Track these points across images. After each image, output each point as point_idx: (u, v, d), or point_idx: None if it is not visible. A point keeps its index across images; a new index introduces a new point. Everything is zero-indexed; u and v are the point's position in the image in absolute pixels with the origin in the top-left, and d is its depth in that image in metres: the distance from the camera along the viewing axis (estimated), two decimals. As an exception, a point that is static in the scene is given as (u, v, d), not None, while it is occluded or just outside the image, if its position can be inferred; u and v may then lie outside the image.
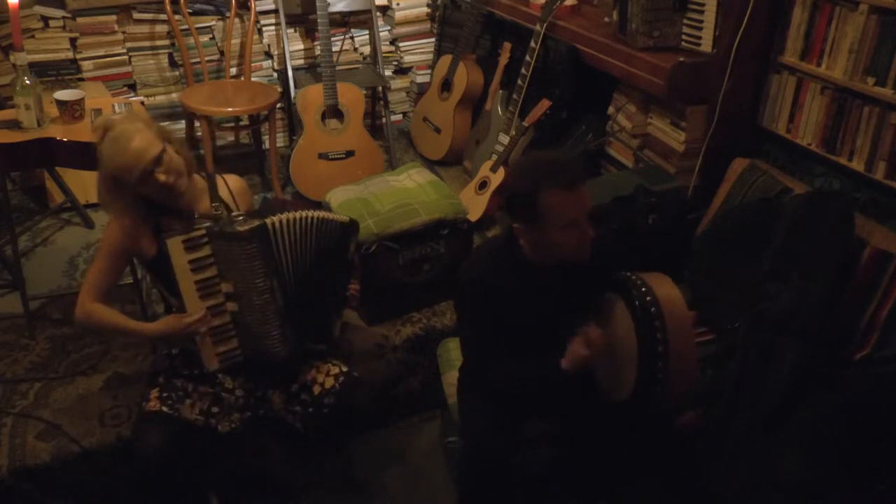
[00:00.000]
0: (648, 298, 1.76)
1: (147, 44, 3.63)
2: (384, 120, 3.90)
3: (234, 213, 1.99)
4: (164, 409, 1.91)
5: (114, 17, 3.52)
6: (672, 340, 1.73)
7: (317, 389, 2.03)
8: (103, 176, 1.87)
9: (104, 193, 1.90)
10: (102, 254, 1.95)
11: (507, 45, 3.43)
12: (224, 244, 1.88)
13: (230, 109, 3.29)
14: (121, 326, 1.97)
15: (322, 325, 2.08)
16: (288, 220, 1.93)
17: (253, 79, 3.69)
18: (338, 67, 3.81)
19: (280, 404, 2.03)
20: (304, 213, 1.96)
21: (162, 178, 1.84)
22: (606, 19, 3.00)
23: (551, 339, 1.86)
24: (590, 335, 1.78)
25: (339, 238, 2.03)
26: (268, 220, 1.91)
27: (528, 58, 3.14)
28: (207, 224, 1.89)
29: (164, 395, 1.94)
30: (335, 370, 2.07)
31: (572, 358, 1.80)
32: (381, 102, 3.97)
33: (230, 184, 2.07)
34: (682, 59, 2.57)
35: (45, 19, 3.41)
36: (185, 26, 3.52)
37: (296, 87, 3.61)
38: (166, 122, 3.72)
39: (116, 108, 2.45)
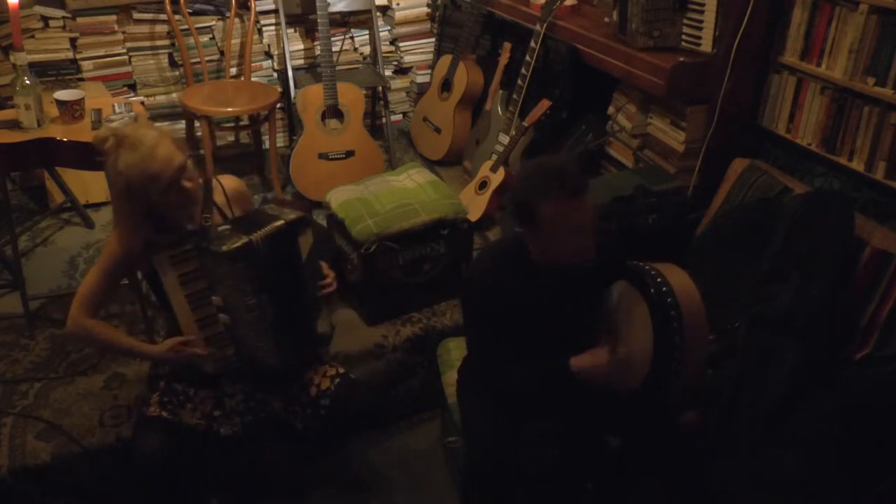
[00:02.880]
0: (665, 289, 1.76)
1: (147, 44, 3.62)
2: (384, 120, 3.90)
3: (220, 227, 1.88)
4: (164, 413, 1.91)
5: (114, 17, 3.51)
6: (687, 332, 1.73)
7: (313, 391, 2.03)
8: (121, 188, 1.76)
9: (118, 206, 1.83)
10: (100, 269, 1.89)
11: (507, 45, 3.42)
12: (211, 261, 1.83)
13: (230, 109, 3.29)
14: (121, 345, 1.96)
15: (305, 330, 2.03)
16: (270, 233, 1.83)
17: (253, 79, 3.69)
18: (338, 67, 3.80)
19: (280, 407, 2.02)
20: (279, 223, 1.86)
21: (188, 185, 1.79)
22: (606, 19, 3.00)
23: (555, 340, 1.86)
24: (616, 350, 1.80)
25: (295, 238, 1.94)
26: (253, 238, 1.80)
27: (528, 58, 3.13)
28: (194, 239, 1.84)
29: (165, 399, 1.94)
30: (332, 371, 2.07)
31: (591, 364, 1.82)
32: (381, 102, 3.96)
33: (226, 185, 2.01)
34: (682, 59, 2.58)
35: (45, 19, 3.41)
36: (185, 26, 3.51)
37: (296, 87, 3.61)
38: (166, 123, 3.74)
39: (116, 108, 2.45)
